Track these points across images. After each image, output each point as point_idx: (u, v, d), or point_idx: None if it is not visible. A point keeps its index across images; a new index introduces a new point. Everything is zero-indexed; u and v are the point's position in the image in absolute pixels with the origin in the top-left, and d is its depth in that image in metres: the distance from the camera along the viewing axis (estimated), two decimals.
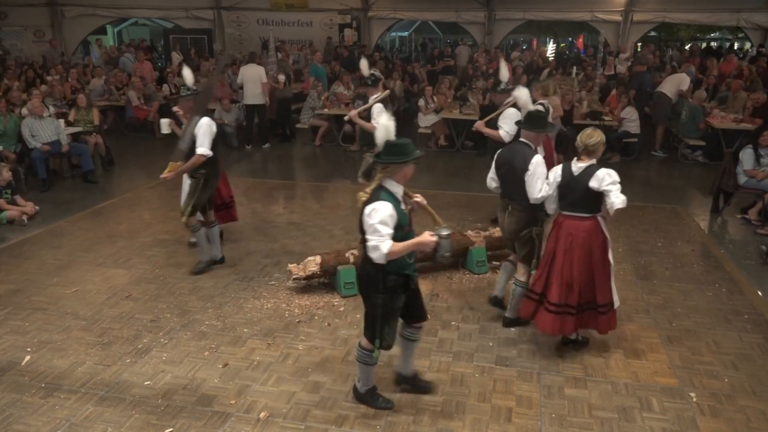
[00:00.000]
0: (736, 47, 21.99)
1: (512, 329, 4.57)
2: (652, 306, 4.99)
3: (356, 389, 3.67)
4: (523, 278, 4.46)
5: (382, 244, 3.07)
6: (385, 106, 5.95)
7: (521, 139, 4.40)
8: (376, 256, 3.10)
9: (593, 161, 3.96)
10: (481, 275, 5.52)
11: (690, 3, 16.60)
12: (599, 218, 4.00)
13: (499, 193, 4.56)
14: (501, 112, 5.96)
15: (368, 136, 6.05)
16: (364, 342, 3.45)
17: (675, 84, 10.68)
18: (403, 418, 3.55)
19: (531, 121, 4.31)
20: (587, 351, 4.29)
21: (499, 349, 4.31)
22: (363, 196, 3.22)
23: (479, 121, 6.16)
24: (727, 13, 16.48)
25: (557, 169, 4.08)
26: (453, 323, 4.66)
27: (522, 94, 4.74)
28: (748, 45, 19.20)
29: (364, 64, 6.48)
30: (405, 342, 3.66)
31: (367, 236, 3.14)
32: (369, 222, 3.12)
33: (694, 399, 3.76)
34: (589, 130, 4.02)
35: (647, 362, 4.16)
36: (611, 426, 3.51)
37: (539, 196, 4.12)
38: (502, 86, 6.07)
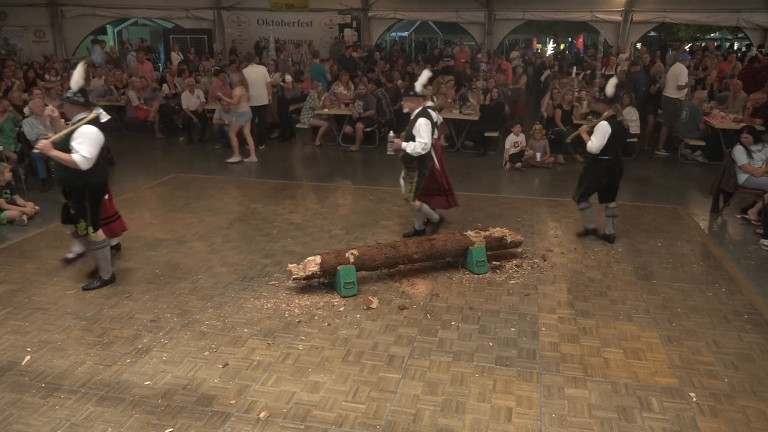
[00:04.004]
0: (735, 47, 22.02)
1: (512, 329, 4.58)
2: (652, 306, 4.99)
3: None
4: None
5: None
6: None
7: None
8: None
9: None
10: (481, 275, 5.52)
11: (690, 3, 16.63)
12: None
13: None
14: (74, 130, 4.79)
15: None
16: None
17: (674, 81, 10.69)
18: (403, 417, 3.56)
19: None
20: (587, 351, 4.29)
21: (499, 349, 4.31)
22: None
23: (45, 142, 4.80)
24: (727, 13, 16.52)
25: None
26: (453, 323, 4.66)
27: None
28: (746, 45, 19.17)
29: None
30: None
31: None
32: None
33: (694, 399, 3.76)
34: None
35: (647, 362, 4.16)
36: (611, 426, 3.51)
37: None
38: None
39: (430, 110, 6.09)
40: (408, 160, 6.04)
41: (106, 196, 5.23)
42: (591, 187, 6.33)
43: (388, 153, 6.35)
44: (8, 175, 7.16)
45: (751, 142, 7.21)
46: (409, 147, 5.91)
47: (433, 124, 6.02)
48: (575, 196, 6.47)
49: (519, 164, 9.65)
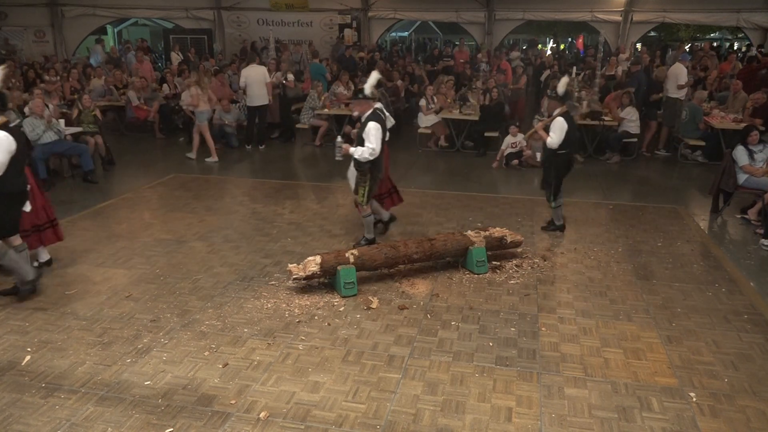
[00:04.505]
0: (735, 47, 22.03)
1: (512, 329, 4.58)
2: (652, 306, 4.99)
3: None
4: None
5: None
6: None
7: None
8: None
9: None
10: (481, 275, 5.52)
11: (690, 3, 16.64)
12: None
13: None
14: None
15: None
16: None
17: (674, 81, 10.71)
18: (403, 417, 3.56)
19: None
20: (587, 351, 4.29)
21: (499, 349, 4.31)
22: None
23: None
24: (727, 13, 16.53)
25: None
26: (453, 323, 4.66)
27: None
28: (746, 44, 19.21)
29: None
30: None
31: None
32: None
33: (694, 399, 3.76)
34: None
35: (647, 362, 4.16)
36: (611, 426, 3.51)
37: None
38: None
39: (380, 112, 5.93)
40: (360, 164, 5.86)
41: (28, 208, 4.97)
42: (559, 182, 6.58)
43: (336, 158, 6.09)
44: None
45: (758, 141, 7.21)
46: (357, 152, 5.74)
47: (384, 128, 5.88)
48: (549, 197, 6.65)
49: (516, 161, 9.68)
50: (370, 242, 6.09)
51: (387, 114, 6.13)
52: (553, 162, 6.49)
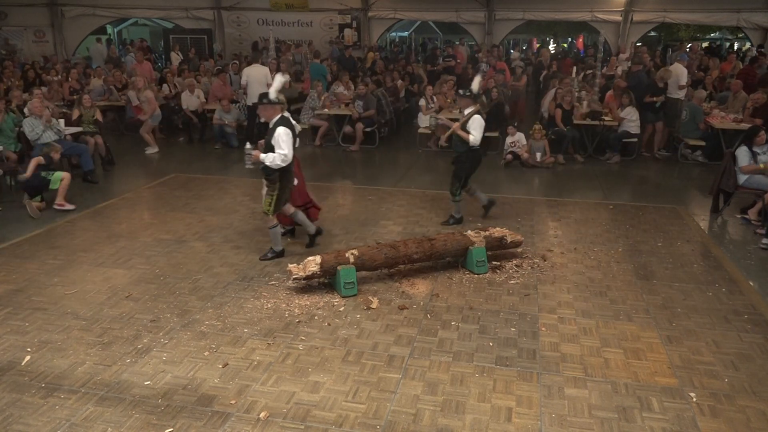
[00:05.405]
0: (736, 47, 22.02)
1: (512, 329, 4.58)
2: (652, 306, 4.99)
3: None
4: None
5: None
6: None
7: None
8: None
9: None
10: (481, 275, 5.52)
11: (690, 3, 16.65)
12: None
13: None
14: None
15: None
16: None
17: (674, 82, 10.71)
18: (403, 417, 3.56)
19: None
20: (587, 351, 4.29)
21: (499, 349, 4.31)
22: None
23: None
24: (727, 13, 16.55)
25: None
26: (453, 323, 4.66)
27: None
28: (747, 45, 19.22)
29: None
30: None
31: None
32: None
33: (694, 399, 3.76)
34: None
35: (647, 362, 4.16)
36: (611, 426, 3.51)
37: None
38: None
39: (288, 119, 5.67)
40: (269, 172, 5.56)
41: None
42: (468, 177, 6.81)
43: (246, 167, 5.70)
44: (57, 156, 7.50)
45: (764, 141, 7.19)
46: (268, 159, 5.43)
47: (294, 134, 5.59)
48: (455, 190, 6.79)
49: (510, 156, 9.73)
50: (278, 255, 5.88)
51: (294, 122, 5.82)
52: (468, 157, 6.68)
